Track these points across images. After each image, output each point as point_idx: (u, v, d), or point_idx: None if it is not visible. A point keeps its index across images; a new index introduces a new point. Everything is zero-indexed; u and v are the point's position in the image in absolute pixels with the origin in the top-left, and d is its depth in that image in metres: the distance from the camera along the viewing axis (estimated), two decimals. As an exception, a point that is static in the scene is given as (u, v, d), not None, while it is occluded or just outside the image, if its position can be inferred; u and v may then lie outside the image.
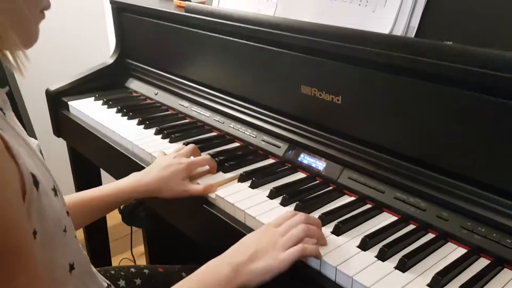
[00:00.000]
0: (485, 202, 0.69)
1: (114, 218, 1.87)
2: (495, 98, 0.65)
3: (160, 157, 0.93)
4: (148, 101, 1.31)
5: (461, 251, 0.69)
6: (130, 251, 1.58)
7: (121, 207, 1.44)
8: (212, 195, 0.84)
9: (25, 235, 0.47)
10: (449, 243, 0.70)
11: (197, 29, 1.13)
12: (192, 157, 0.91)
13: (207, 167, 0.91)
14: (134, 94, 1.37)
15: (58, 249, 0.59)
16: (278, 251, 0.63)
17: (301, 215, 0.69)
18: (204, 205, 0.84)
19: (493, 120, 0.66)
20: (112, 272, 0.92)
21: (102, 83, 1.40)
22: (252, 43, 0.98)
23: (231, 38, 1.03)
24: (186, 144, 1.00)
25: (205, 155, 0.93)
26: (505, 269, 0.65)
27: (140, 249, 1.91)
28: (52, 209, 0.57)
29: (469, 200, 0.70)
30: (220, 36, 1.06)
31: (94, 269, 0.74)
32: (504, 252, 0.65)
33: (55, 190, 0.59)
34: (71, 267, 0.63)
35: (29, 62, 0.55)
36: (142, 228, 1.54)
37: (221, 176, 0.91)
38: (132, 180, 0.86)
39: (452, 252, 0.69)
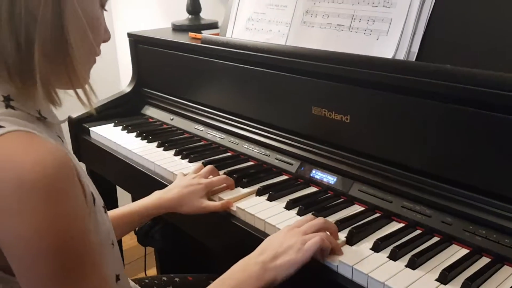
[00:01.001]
0: (485, 206, 0.76)
1: (124, 244, 1.93)
2: (490, 113, 0.73)
3: (180, 177, 1.00)
4: (165, 126, 1.39)
5: (464, 251, 0.76)
6: (143, 272, 1.63)
7: (136, 228, 1.50)
8: (233, 208, 0.91)
9: (93, 243, 0.55)
10: (453, 245, 0.78)
11: (212, 58, 1.22)
12: (210, 177, 0.98)
13: (225, 185, 0.98)
14: (150, 120, 1.45)
15: (108, 260, 0.66)
16: (300, 246, 0.71)
17: (320, 219, 0.77)
18: (226, 217, 0.91)
19: (488, 133, 0.75)
20: (146, 281, 0.98)
21: (120, 111, 1.48)
22: (265, 70, 1.08)
23: (245, 66, 1.13)
24: (205, 164, 1.08)
25: (222, 175, 1.00)
26: (505, 266, 0.72)
27: (151, 272, 1.95)
28: (104, 224, 0.65)
29: (470, 205, 0.78)
30: (234, 64, 1.16)
31: (132, 283, 0.80)
32: (504, 251, 0.72)
33: (104, 207, 0.67)
34: (117, 278, 0.70)
35: (96, 99, 0.63)
36: (156, 248, 1.59)
37: (239, 191, 0.98)
38: (156, 197, 0.94)
39: (456, 252, 0.76)
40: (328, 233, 0.76)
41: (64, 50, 0.57)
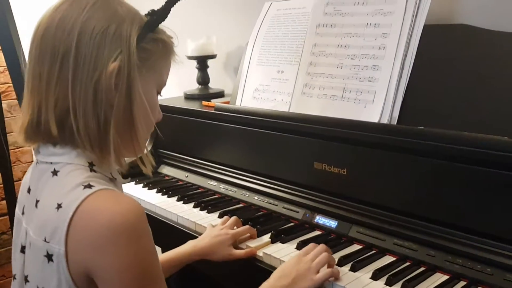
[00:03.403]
0: (461, 240, 0.94)
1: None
2: (462, 165, 0.92)
3: (210, 228, 1.16)
4: (180, 182, 1.57)
5: (445, 277, 0.93)
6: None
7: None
8: (259, 253, 1.07)
9: (162, 273, 0.71)
10: (437, 272, 0.95)
11: (224, 123, 1.42)
12: (235, 227, 1.15)
13: (248, 235, 1.14)
14: (167, 177, 1.63)
15: None
16: (312, 274, 0.88)
17: (322, 246, 0.96)
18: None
19: (462, 180, 0.93)
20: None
21: (138, 170, 1.64)
22: (273, 132, 1.27)
23: (254, 129, 1.32)
24: (222, 214, 1.25)
25: (246, 226, 1.15)
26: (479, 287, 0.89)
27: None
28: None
29: (449, 239, 0.95)
30: (245, 127, 1.35)
31: None
32: (477, 276, 0.90)
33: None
34: None
35: (153, 164, 0.81)
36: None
37: (261, 240, 1.12)
38: (190, 246, 1.10)
39: (439, 278, 0.93)
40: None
41: (132, 128, 0.75)
